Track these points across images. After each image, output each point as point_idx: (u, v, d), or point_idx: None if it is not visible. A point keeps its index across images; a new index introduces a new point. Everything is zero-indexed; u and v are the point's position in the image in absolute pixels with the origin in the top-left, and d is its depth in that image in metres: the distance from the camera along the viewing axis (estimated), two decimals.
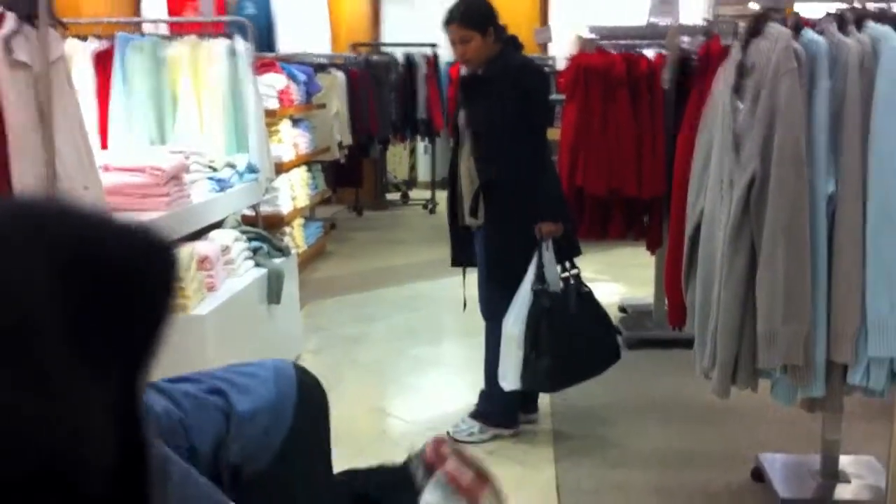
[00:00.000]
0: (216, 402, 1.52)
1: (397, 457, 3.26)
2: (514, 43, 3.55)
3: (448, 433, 3.63)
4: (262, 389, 1.61)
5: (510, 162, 3.39)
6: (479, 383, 3.87)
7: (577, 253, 3.55)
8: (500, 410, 3.68)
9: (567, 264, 3.48)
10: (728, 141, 2.59)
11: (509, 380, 3.44)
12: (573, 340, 3.37)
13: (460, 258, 3.72)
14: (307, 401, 1.73)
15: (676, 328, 3.93)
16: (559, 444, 3.61)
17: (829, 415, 2.89)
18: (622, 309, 5.47)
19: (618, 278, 6.53)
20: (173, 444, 1.33)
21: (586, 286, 3.51)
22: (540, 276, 3.38)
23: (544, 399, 4.09)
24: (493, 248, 3.49)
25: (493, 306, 3.55)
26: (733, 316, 2.55)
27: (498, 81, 3.42)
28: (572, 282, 3.47)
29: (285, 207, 6.03)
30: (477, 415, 3.73)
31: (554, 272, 3.44)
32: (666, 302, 4.13)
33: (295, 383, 1.70)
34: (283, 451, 1.63)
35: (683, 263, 2.88)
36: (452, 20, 3.42)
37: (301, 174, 6.49)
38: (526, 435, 3.73)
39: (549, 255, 3.42)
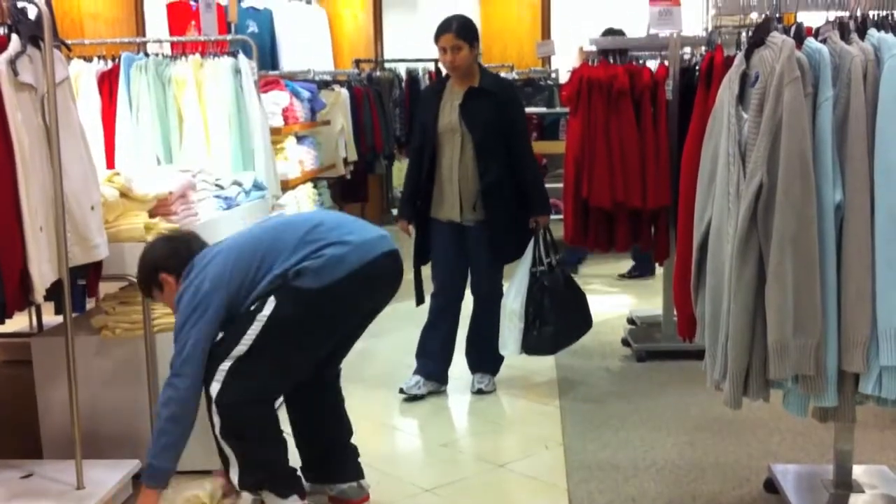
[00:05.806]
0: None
1: (405, 472, 3.27)
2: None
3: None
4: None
5: (517, 162, 4.14)
6: (492, 398, 3.81)
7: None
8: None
9: (552, 250, 4.23)
10: (733, 151, 2.59)
11: (511, 348, 4.17)
12: (569, 312, 4.19)
13: (422, 260, 4.32)
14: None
15: (686, 340, 3.91)
16: (571, 458, 3.59)
17: (841, 425, 2.87)
18: (631, 321, 5.44)
19: (626, 290, 6.52)
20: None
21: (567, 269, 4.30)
22: (539, 259, 4.17)
23: (555, 412, 4.07)
24: (498, 237, 4.14)
25: (496, 286, 4.29)
26: (743, 327, 2.54)
27: (496, 94, 4.10)
28: (556, 264, 4.23)
29: None
30: (493, 371, 4.40)
31: (544, 256, 4.20)
32: (675, 313, 4.11)
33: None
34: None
35: (692, 275, 2.86)
36: (448, 30, 4.09)
37: (307, 191, 6.48)
38: (537, 449, 3.71)
39: (542, 241, 4.19)
